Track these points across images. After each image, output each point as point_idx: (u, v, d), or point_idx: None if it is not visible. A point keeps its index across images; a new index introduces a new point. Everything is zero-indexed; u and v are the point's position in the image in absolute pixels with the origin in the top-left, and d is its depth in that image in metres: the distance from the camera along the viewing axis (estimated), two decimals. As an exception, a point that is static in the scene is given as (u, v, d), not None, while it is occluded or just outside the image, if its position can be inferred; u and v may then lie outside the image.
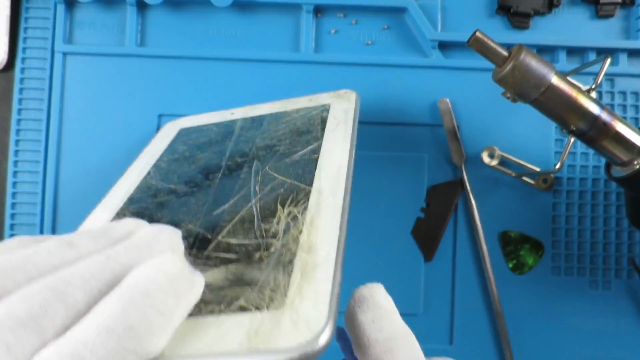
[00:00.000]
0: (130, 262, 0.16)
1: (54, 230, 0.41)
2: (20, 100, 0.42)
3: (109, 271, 0.16)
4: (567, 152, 0.34)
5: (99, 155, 0.42)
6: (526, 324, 0.41)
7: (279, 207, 0.25)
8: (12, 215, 0.41)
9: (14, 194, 0.41)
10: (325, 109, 0.35)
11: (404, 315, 0.42)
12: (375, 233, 0.42)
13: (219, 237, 0.24)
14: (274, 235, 0.23)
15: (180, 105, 0.42)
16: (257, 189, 0.28)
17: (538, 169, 0.42)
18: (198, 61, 0.42)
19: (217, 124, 0.38)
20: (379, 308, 0.21)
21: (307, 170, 0.28)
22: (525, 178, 0.42)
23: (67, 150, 0.42)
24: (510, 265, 0.42)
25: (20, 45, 0.42)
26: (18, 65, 0.42)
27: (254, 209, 0.26)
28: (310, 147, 0.30)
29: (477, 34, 0.32)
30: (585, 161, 0.43)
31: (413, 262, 0.42)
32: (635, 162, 0.33)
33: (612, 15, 0.43)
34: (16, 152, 0.41)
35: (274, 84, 0.42)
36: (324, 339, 0.17)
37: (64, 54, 0.42)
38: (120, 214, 0.29)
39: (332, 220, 0.23)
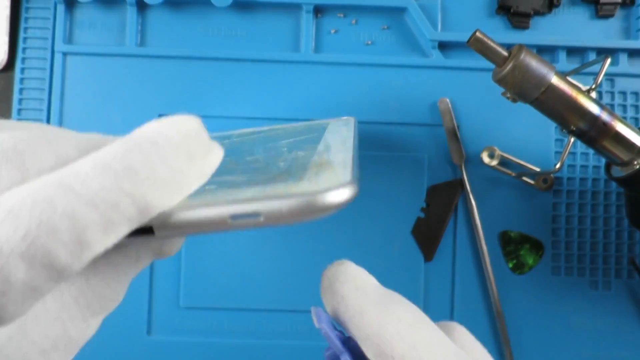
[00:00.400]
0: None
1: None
2: (20, 100, 0.42)
3: (108, 139, 0.14)
4: (567, 152, 0.34)
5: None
6: (526, 323, 0.41)
7: (286, 153, 0.23)
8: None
9: (14, 194, 0.41)
10: (326, 124, 0.35)
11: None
12: (375, 233, 0.42)
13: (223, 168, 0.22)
14: (283, 160, 0.21)
15: (181, 105, 0.42)
16: (261, 150, 0.26)
17: (538, 169, 0.42)
18: (198, 61, 0.42)
19: (213, 136, 0.37)
20: (357, 277, 0.19)
21: (312, 141, 0.26)
22: (525, 178, 0.42)
23: (67, 150, 0.42)
24: (510, 265, 0.42)
25: (20, 45, 0.42)
26: (18, 65, 0.42)
27: (259, 152, 0.24)
28: (314, 135, 0.30)
29: (477, 33, 0.32)
30: (585, 161, 0.43)
31: (413, 262, 0.42)
32: (635, 162, 0.33)
33: (612, 15, 0.43)
34: None
35: (274, 84, 0.42)
36: (348, 190, 0.15)
37: (64, 54, 0.42)
38: None
39: (344, 150, 0.21)
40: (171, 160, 0.13)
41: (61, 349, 0.15)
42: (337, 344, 0.18)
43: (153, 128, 0.14)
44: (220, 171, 0.17)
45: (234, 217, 0.14)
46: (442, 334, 0.18)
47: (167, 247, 0.17)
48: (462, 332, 0.20)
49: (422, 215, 0.42)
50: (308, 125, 0.35)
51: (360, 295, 0.18)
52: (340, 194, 0.14)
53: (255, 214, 0.14)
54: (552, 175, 0.42)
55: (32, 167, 0.13)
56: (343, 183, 0.15)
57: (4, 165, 0.12)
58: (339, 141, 0.25)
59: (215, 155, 0.15)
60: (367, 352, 0.17)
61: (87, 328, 0.16)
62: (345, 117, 0.38)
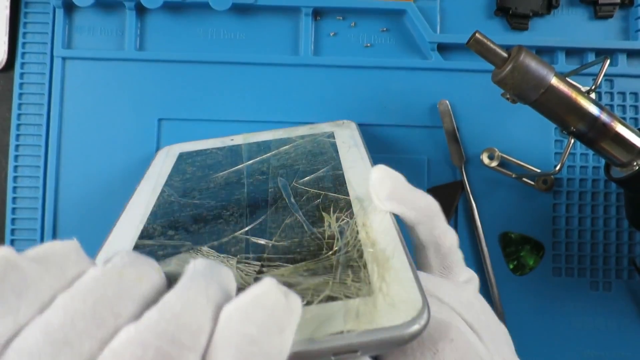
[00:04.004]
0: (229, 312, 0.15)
1: (54, 233, 0.41)
2: (20, 105, 0.42)
3: (207, 321, 0.15)
4: (567, 154, 0.34)
5: (99, 159, 0.42)
6: (527, 324, 0.41)
7: (324, 214, 0.25)
8: (13, 220, 0.41)
9: (14, 199, 0.41)
10: (330, 135, 0.35)
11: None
12: (375, 235, 0.41)
13: (273, 241, 0.24)
14: (332, 237, 0.23)
15: (180, 109, 0.42)
16: (293, 200, 0.27)
17: (538, 170, 0.42)
18: (197, 65, 0.42)
19: (220, 148, 0.37)
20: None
21: (337, 183, 0.28)
22: (525, 179, 0.42)
23: (67, 154, 0.42)
24: (511, 266, 0.42)
25: (20, 50, 0.42)
26: (17, 69, 0.42)
27: (299, 216, 0.25)
28: (330, 165, 0.30)
29: (477, 35, 0.32)
30: (585, 162, 0.43)
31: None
32: (635, 163, 0.33)
33: (611, 16, 0.43)
34: (16, 157, 0.41)
35: (274, 87, 0.42)
36: (426, 316, 0.17)
37: (63, 59, 0.42)
38: (149, 229, 0.27)
39: (383, 221, 0.23)
40: (272, 350, 0.15)
41: None
42: None
43: (242, 317, 0.15)
44: (278, 250, 0.19)
45: (336, 354, 0.16)
46: None
47: None
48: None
49: (422, 217, 0.42)
50: (313, 138, 0.35)
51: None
52: (422, 324, 0.17)
53: (354, 350, 0.16)
54: (552, 176, 0.42)
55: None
56: (419, 312, 0.17)
57: None
58: (365, 188, 0.26)
59: (296, 308, 0.16)
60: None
61: None
62: (345, 121, 0.38)
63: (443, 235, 0.24)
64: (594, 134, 0.33)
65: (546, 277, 0.42)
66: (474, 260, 0.42)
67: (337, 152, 0.32)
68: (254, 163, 0.33)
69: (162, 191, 0.31)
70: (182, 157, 0.37)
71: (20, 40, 0.42)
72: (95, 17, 0.42)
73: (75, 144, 0.42)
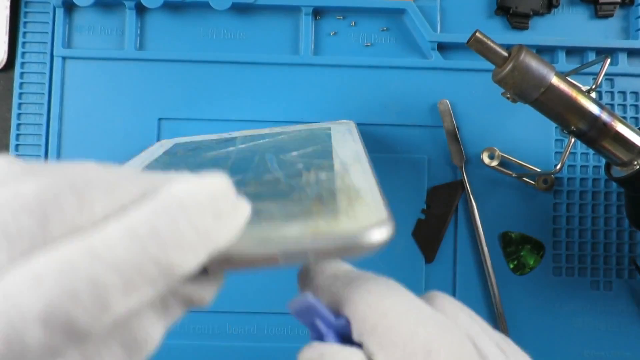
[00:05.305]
0: (164, 183, 0.14)
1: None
2: (20, 105, 0.42)
3: (138, 185, 0.14)
4: (567, 153, 0.34)
5: (99, 159, 0.41)
6: (527, 324, 0.41)
7: (304, 172, 0.24)
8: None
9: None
10: (327, 129, 0.35)
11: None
12: (376, 235, 0.41)
13: (246, 189, 0.22)
14: (307, 184, 0.22)
15: (180, 108, 0.42)
16: (276, 165, 0.26)
17: (538, 170, 0.42)
18: (198, 64, 0.42)
19: (216, 140, 0.37)
20: (332, 265, 0.20)
21: (324, 155, 0.27)
22: (525, 178, 0.42)
23: (67, 154, 0.41)
24: (511, 266, 0.42)
25: (20, 49, 0.42)
26: (17, 69, 0.42)
27: (278, 174, 0.24)
28: (321, 144, 0.30)
29: (477, 34, 0.32)
30: (585, 161, 0.43)
31: (414, 263, 0.41)
32: (635, 163, 0.33)
33: (611, 15, 0.43)
34: (16, 157, 0.41)
35: (274, 86, 0.42)
36: (388, 229, 0.16)
37: (63, 59, 0.42)
38: None
39: (363, 174, 0.22)
40: (197, 221, 0.14)
41: None
42: (322, 326, 0.18)
43: (181, 189, 0.14)
44: (249, 195, 0.17)
45: (284, 256, 0.15)
46: (416, 300, 0.18)
47: (197, 296, 0.16)
48: (444, 299, 0.20)
49: (422, 216, 0.42)
50: (310, 130, 0.35)
51: (332, 278, 0.19)
52: (381, 233, 0.16)
53: (304, 253, 0.15)
54: (552, 175, 0.42)
55: (56, 220, 0.13)
56: (382, 221, 0.16)
57: (26, 218, 0.12)
58: (352, 156, 0.25)
59: (241, 211, 0.15)
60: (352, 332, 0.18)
61: None
62: (344, 121, 0.38)
63: None
64: (595, 133, 0.33)
65: (546, 277, 0.42)
66: (474, 260, 0.42)
67: (330, 138, 0.31)
68: (245, 147, 0.33)
69: (148, 164, 0.31)
70: (177, 145, 0.37)
71: (20, 40, 0.42)
72: (95, 16, 0.42)
73: (75, 143, 0.42)
